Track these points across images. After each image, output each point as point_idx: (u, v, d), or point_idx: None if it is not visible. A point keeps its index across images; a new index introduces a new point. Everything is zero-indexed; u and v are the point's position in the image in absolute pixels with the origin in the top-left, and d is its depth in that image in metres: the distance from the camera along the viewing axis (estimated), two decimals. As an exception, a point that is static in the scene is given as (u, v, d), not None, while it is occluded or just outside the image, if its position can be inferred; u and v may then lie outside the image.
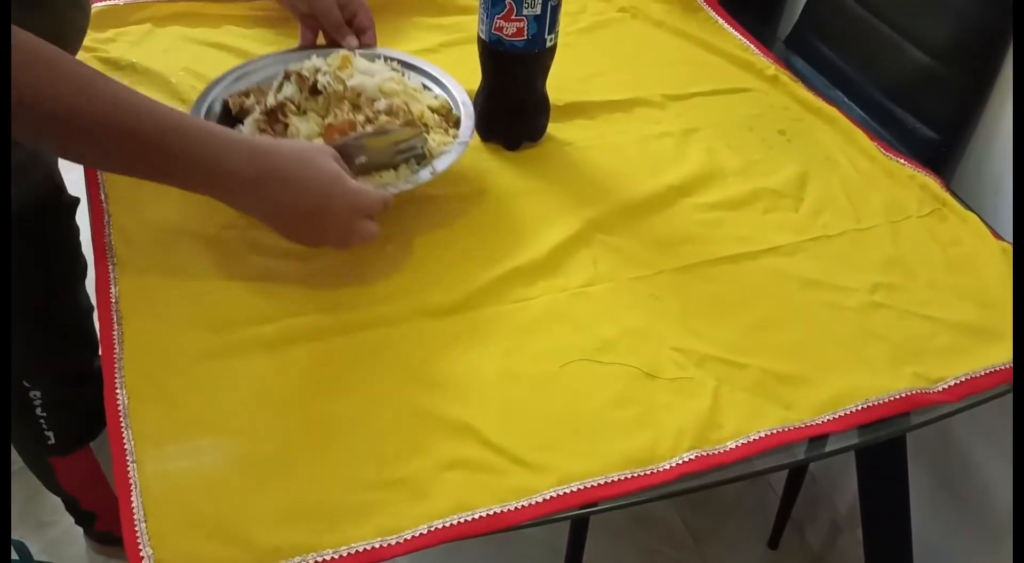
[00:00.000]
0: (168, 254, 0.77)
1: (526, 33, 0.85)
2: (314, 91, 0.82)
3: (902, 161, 0.97)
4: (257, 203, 0.67)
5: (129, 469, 0.59)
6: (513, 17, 0.84)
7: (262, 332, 0.70)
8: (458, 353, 0.71)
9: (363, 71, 0.84)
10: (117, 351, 0.67)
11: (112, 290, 0.73)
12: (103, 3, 1.07)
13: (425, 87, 0.91)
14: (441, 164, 0.80)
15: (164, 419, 0.63)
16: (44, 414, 0.97)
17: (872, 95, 1.08)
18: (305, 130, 0.80)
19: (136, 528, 0.56)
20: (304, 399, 0.66)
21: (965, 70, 0.98)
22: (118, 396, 0.64)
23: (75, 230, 0.93)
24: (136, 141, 0.62)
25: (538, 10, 0.84)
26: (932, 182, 0.94)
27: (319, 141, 0.77)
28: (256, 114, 0.80)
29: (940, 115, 1.01)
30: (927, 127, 1.02)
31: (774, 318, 0.78)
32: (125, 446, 0.61)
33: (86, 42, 1.01)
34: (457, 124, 0.86)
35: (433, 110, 0.86)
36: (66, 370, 0.97)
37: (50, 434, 1.00)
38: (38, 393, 0.95)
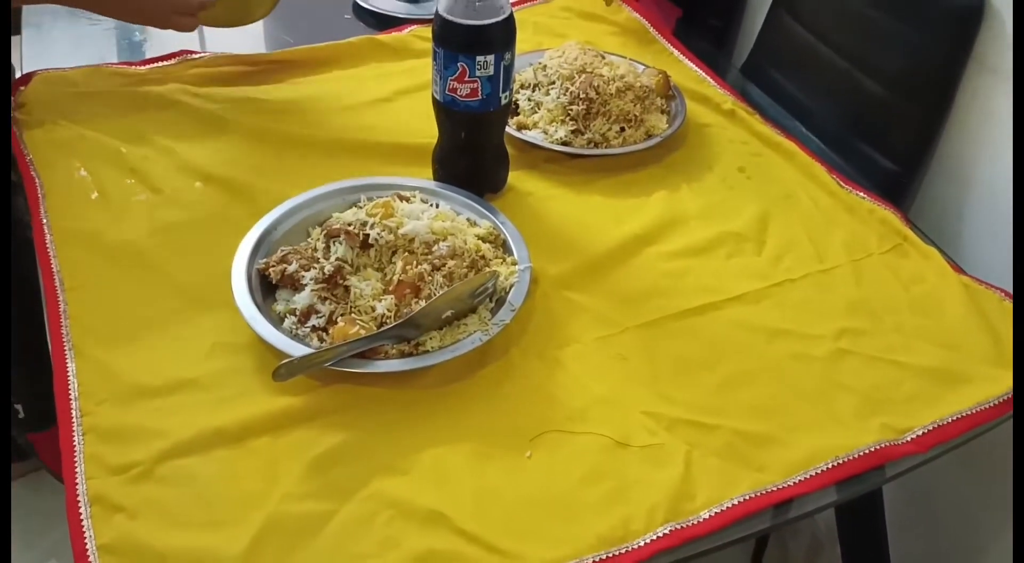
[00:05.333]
0: (125, 343, 0.75)
1: (480, 93, 0.84)
2: (365, 245, 0.80)
3: (861, 194, 0.97)
4: None
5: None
6: (466, 79, 0.83)
7: (223, 426, 0.69)
8: (426, 437, 0.70)
9: (407, 214, 0.82)
10: (78, 450, 0.66)
11: (70, 366, 0.72)
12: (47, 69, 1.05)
13: (456, 211, 0.88)
14: (516, 299, 0.78)
15: (128, 530, 0.62)
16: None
17: (830, 125, 1.08)
18: (369, 290, 0.76)
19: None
20: (269, 495, 0.65)
21: (920, 101, 0.99)
22: (80, 505, 0.63)
23: None
24: None
25: (491, 71, 0.83)
26: (892, 216, 0.94)
27: (389, 299, 0.76)
28: (311, 284, 0.76)
29: (898, 146, 1.02)
30: (886, 158, 1.02)
31: (742, 374, 0.77)
32: (88, 555, 0.60)
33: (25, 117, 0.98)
34: (504, 246, 0.85)
35: (482, 239, 0.84)
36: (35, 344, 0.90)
37: (19, 407, 1.02)
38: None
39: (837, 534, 1.06)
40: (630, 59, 1.12)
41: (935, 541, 1.15)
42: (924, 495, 1.15)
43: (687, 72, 1.17)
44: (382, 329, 0.74)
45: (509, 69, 0.84)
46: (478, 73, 0.83)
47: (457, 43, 0.81)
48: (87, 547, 0.61)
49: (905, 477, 1.15)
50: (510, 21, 0.83)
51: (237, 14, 1.04)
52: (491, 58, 0.82)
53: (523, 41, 1.16)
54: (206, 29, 1.08)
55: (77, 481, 0.65)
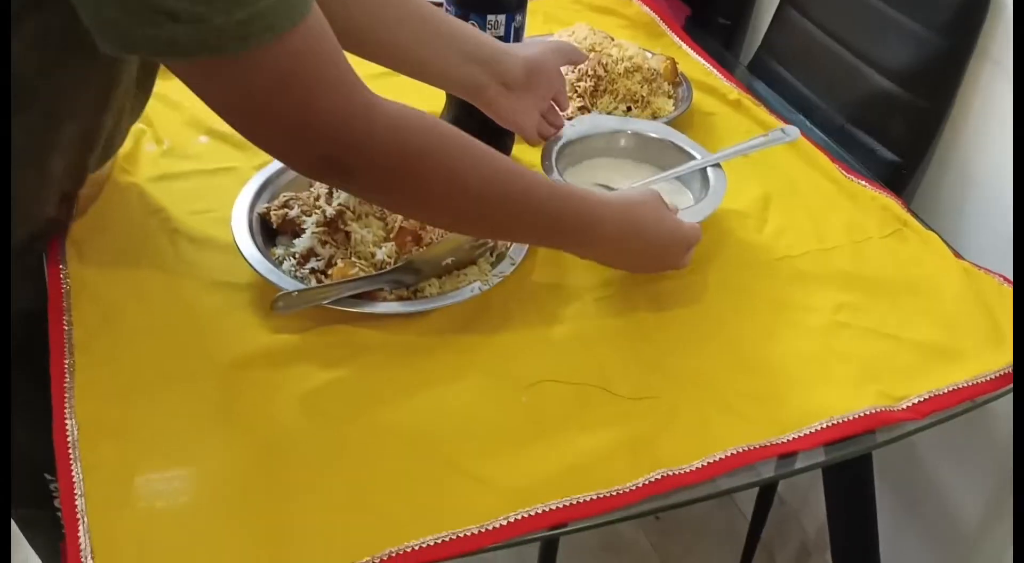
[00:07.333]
0: (122, 277, 0.75)
1: (490, 55, 0.85)
2: None
3: (863, 183, 0.98)
4: (615, 255, 0.76)
5: (77, 504, 0.57)
6: (477, 39, 0.84)
7: (220, 358, 0.68)
8: (420, 378, 0.70)
9: None
10: (68, 381, 0.65)
11: (64, 317, 0.71)
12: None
13: None
14: (517, 254, 0.79)
15: (116, 451, 0.61)
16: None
17: (834, 118, 1.09)
18: (370, 237, 0.77)
19: (82, 563, 0.54)
20: (262, 419, 0.65)
21: (923, 94, 1.00)
22: (67, 427, 0.62)
23: None
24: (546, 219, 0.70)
25: (502, 31, 0.84)
26: (893, 203, 0.95)
27: (389, 246, 0.76)
28: (312, 227, 0.77)
29: (900, 137, 1.02)
30: (888, 149, 1.03)
31: (740, 338, 0.77)
32: (73, 478, 0.59)
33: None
34: None
35: None
36: None
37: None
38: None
39: (829, 537, 1.05)
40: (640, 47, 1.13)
41: (926, 546, 1.15)
42: (916, 500, 1.15)
43: (695, 65, 1.19)
44: (382, 271, 0.74)
45: (520, 32, 0.85)
46: (489, 32, 0.83)
47: (470, 1, 0.82)
48: (70, 456, 0.60)
49: (898, 482, 1.15)
50: (523, -17, 0.85)
51: None
52: (502, 18, 0.83)
53: (533, 29, 1.18)
54: None
55: (66, 407, 0.64)
